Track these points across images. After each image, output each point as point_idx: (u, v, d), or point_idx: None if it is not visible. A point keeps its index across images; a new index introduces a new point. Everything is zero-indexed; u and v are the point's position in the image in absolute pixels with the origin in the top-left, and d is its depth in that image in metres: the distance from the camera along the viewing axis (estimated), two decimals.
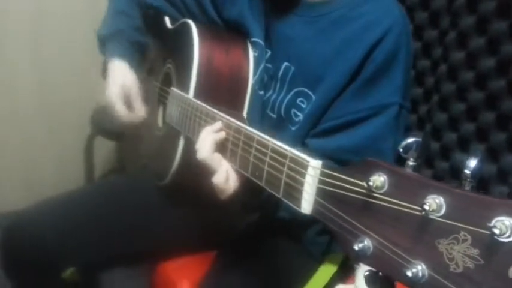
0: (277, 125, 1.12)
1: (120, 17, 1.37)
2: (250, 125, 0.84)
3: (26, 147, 2.19)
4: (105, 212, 1.27)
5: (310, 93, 1.06)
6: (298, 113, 1.08)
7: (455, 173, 1.26)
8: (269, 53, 1.15)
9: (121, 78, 1.29)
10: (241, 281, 1.13)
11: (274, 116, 1.13)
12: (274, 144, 0.72)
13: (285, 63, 1.11)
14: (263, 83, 1.15)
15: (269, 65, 1.14)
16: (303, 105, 1.07)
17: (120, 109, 1.26)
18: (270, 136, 0.76)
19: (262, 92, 1.15)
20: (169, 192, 1.26)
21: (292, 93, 1.09)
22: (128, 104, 1.29)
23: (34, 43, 2.08)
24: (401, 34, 1.03)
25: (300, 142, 1.06)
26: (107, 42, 1.35)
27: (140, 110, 1.30)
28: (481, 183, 1.19)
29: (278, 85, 1.12)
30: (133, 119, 1.29)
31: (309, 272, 1.15)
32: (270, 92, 1.14)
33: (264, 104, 1.15)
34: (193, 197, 1.23)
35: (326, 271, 1.14)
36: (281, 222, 1.11)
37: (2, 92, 2.08)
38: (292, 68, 1.10)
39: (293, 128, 1.09)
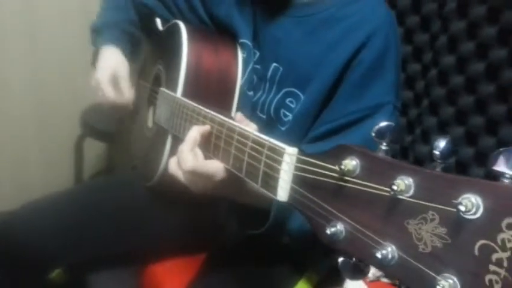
0: (267, 126, 1.12)
1: (115, 11, 1.39)
2: None
3: (15, 148, 2.19)
4: (93, 213, 1.27)
5: (299, 94, 1.06)
6: (288, 113, 1.08)
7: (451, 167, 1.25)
8: (257, 54, 1.15)
9: (112, 62, 1.31)
10: (230, 285, 1.12)
11: (263, 116, 1.13)
12: (255, 135, 0.72)
13: (274, 64, 1.11)
14: (252, 84, 1.15)
15: (258, 66, 1.14)
16: (292, 106, 1.08)
17: (107, 90, 1.27)
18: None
19: (251, 93, 1.15)
20: (158, 193, 1.26)
21: (281, 93, 1.09)
22: (116, 86, 1.29)
23: (25, 44, 2.09)
24: (389, 33, 1.03)
25: (290, 142, 1.05)
26: (100, 32, 1.36)
27: (127, 93, 1.31)
28: None
29: (267, 86, 1.13)
30: (120, 101, 1.30)
31: (296, 279, 1.15)
32: (260, 93, 1.14)
33: (253, 105, 1.15)
34: (181, 199, 1.23)
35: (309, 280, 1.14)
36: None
37: None
38: (281, 69, 1.10)
39: (283, 129, 1.09)
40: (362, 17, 1.03)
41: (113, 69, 1.29)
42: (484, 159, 1.18)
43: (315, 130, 1.04)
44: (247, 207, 0.93)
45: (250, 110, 1.15)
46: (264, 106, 1.12)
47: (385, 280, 1.09)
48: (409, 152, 1.37)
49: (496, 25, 1.17)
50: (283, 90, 1.09)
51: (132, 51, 1.39)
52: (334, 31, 1.04)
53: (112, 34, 1.34)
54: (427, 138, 1.31)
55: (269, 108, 1.11)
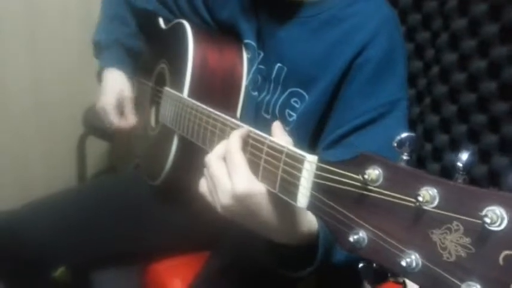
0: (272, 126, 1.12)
1: (115, 24, 1.39)
2: None
3: (18, 147, 2.19)
4: (96, 212, 1.28)
5: (304, 93, 1.07)
6: (292, 113, 1.09)
7: (447, 174, 1.27)
8: (262, 54, 1.16)
9: (117, 88, 1.33)
10: (233, 283, 1.13)
11: (268, 117, 1.13)
12: (271, 140, 0.73)
13: (278, 64, 1.11)
14: (257, 85, 1.16)
15: (262, 66, 1.15)
16: (297, 106, 1.08)
17: (113, 119, 1.31)
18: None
19: (255, 93, 1.16)
20: (162, 192, 1.27)
21: (286, 93, 1.10)
22: (121, 112, 1.33)
23: (27, 42, 2.08)
24: (394, 31, 1.04)
25: (294, 142, 1.06)
26: (103, 50, 1.37)
27: (131, 119, 1.34)
28: (472, 184, 1.21)
29: (272, 86, 1.13)
30: (123, 126, 1.33)
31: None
32: (264, 93, 1.15)
33: (258, 105, 1.15)
34: (186, 197, 1.24)
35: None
36: None
37: None
38: (285, 69, 1.10)
39: (287, 128, 1.09)
40: (365, 16, 1.03)
41: (117, 94, 1.32)
42: (486, 156, 1.20)
43: (330, 134, 1.03)
44: (290, 246, 0.79)
45: (255, 110, 1.15)
46: (269, 106, 1.13)
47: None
48: None
49: (498, 22, 1.18)
50: (288, 90, 1.09)
51: (134, 67, 1.41)
52: (337, 31, 1.04)
53: (114, 55, 1.37)
54: (430, 136, 1.32)
55: (274, 108, 1.12)
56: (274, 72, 1.12)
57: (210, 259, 1.25)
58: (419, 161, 1.34)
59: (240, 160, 0.74)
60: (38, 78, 2.14)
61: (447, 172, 1.28)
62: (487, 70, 1.20)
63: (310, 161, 0.63)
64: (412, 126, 1.37)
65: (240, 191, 0.72)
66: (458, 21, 1.25)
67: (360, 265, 0.54)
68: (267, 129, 1.10)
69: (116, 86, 1.33)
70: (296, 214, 0.75)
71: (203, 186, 0.81)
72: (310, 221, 0.77)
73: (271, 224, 0.75)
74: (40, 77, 2.15)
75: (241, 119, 1.13)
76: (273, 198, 0.72)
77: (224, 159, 0.77)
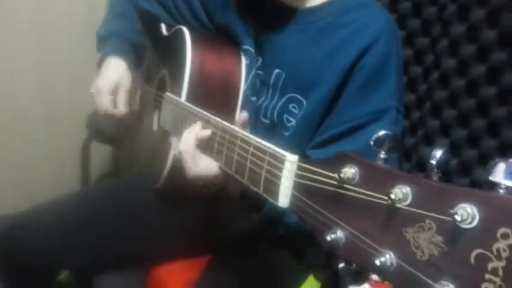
0: (271, 131, 1.13)
1: (120, 20, 1.40)
2: None
3: (22, 151, 2.19)
4: (99, 216, 1.28)
5: (302, 99, 1.07)
6: (291, 119, 1.09)
7: (448, 177, 1.26)
8: (260, 60, 1.16)
9: (116, 73, 1.32)
10: (235, 284, 1.14)
11: (267, 121, 1.14)
12: (256, 141, 0.73)
13: (276, 70, 1.12)
14: (255, 90, 1.16)
15: (260, 72, 1.15)
16: (295, 111, 1.08)
17: (106, 102, 1.30)
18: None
19: (254, 98, 1.16)
20: (164, 196, 1.27)
21: (284, 99, 1.10)
22: (115, 98, 1.32)
23: (33, 47, 2.10)
24: (391, 39, 1.04)
25: (294, 147, 1.06)
26: (106, 41, 1.38)
27: (121, 109, 1.33)
28: (473, 187, 1.20)
29: (270, 91, 1.14)
30: (114, 114, 1.32)
31: (303, 276, 1.16)
32: (263, 98, 1.15)
33: (256, 110, 1.16)
34: (187, 200, 1.24)
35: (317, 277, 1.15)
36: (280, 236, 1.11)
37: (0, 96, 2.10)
38: (284, 75, 1.11)
39: (286, 134, 1.10)
40: (363, 23, 1.04)
41: (115, 81, 1.31)
42: (486, 160, 1.19)
43: (319, 136, 1.05)
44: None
45: (254, 115, 1.16)
46: (267, 111, 1.13)
47: None
48: (412, 154, 1.37)
49: (496, 28, 1.17)
50: (286, 96, 1.10)
51: (136, 61, 1.40)
52: (335, 38, 1.05)
53: (117, 44, 1.36)
54: (430, 141, 1.31)
55: (272, 113, 1.12)
56: (273, 77, 1.12)
57: (211, 263, 1.26)
58: (419, 164, 1.34)
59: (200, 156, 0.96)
60: (43, 83, 2.15)
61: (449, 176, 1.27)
62: (487, 75, 1.19)
63: (291, 161, 0.63)
64: (412, 130, 1.37)
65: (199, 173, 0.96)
66: (458, 26, 1.25)
67: (340, 265, 0.54)
68: (266, 134, 1.12)
69: (116, 72, 1.33)
70: None
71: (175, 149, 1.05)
72: None
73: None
74: (45, 81, 2.15)
75: None
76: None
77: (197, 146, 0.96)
